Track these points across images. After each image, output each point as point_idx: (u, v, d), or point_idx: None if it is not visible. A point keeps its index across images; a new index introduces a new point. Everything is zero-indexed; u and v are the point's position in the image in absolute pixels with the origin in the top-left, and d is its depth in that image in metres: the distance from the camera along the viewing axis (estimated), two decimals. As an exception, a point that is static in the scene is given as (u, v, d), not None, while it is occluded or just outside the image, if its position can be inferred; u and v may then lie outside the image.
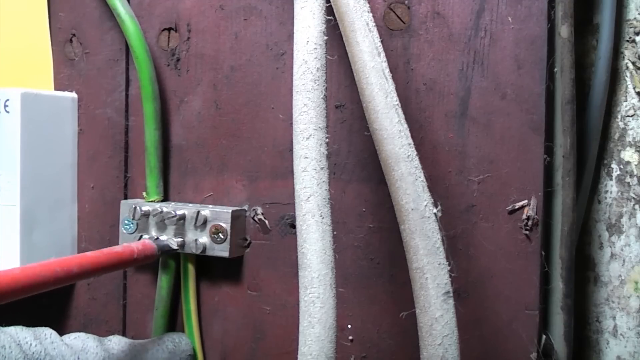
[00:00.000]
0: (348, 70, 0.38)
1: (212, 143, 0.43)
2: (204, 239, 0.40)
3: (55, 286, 0.32)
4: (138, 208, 0.41)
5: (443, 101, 0.37)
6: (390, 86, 0.32)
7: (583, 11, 0.43)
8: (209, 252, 0.41)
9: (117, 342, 0.39)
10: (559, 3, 0.35)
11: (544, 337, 0.36)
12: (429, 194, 0.32)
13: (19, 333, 0.34)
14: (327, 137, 0.32)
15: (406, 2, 0.38)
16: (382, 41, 0.33)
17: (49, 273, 0.31)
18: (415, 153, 0.32)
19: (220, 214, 0.40)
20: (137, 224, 0.42)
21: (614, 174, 0.43)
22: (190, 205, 0.42)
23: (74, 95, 0.46)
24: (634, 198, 0.42)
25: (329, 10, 0.34)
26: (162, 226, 0.41)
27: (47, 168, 0.44)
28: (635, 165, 0.42)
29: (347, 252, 0.39)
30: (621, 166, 0.43)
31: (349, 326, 0.39)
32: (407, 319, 0.36)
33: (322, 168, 0.32)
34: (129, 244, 0.39)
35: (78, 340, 0.37)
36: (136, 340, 0.40)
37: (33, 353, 0.34)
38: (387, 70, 0.32)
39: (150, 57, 0.42)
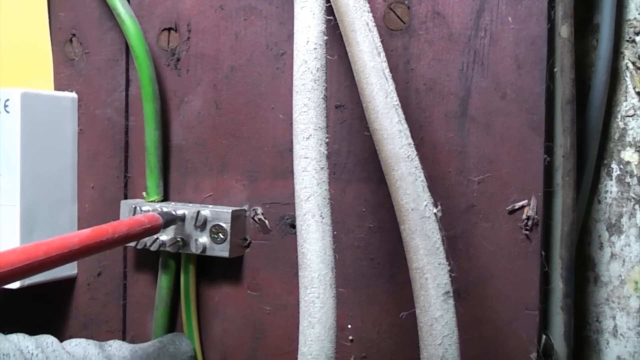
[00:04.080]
0: (348, 70, 0.38)
1: (212, 143, 0.43)
2: (204, 239, 0.40)
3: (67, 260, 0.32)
4: (138, 208, 0.41)
5: (443, 101, 0.37)
6: (390, 86, 0.32)
7: (583, 11, 0.43)
8: (209, 252, 0.41)
9: (117, 348, 0.39)
10: (559, 3, 0.35)
11: (544, 337, 0.36)
12: (429, 194, 0.32)
13: (21, 341, 0.34)
14: (327, 137, 0.32)
15: (406, 2, 0.38)
16: (382, 41, 0.33)
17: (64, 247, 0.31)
18: (415, 153, 0.32)
19: (220, 214, 0.40)
20: (137, 224, 0.42)
21: (614, 174, 0.43)
22: (190, 205, 0.42)
23: (74, 95, 0.46)
24: (634, 198, 0.42)
25: (329, 10, 0.34)
26: (162, 226, 0.42)
27: (47, 168, 0.44)
28: (635, 165, 0.42)
29: (347, 252, 0.39)
30: (621, 166, 0.43)
31: (349, 326, 0.39)
32: (407, 319, 0.36)
33: (322, 168, 0.32)
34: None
35: (79, 347, 0.37)
36: (137, 345, 0.40)
37: None
38: (387, 70, 0.32)
39: (150, 57, 0.42)
